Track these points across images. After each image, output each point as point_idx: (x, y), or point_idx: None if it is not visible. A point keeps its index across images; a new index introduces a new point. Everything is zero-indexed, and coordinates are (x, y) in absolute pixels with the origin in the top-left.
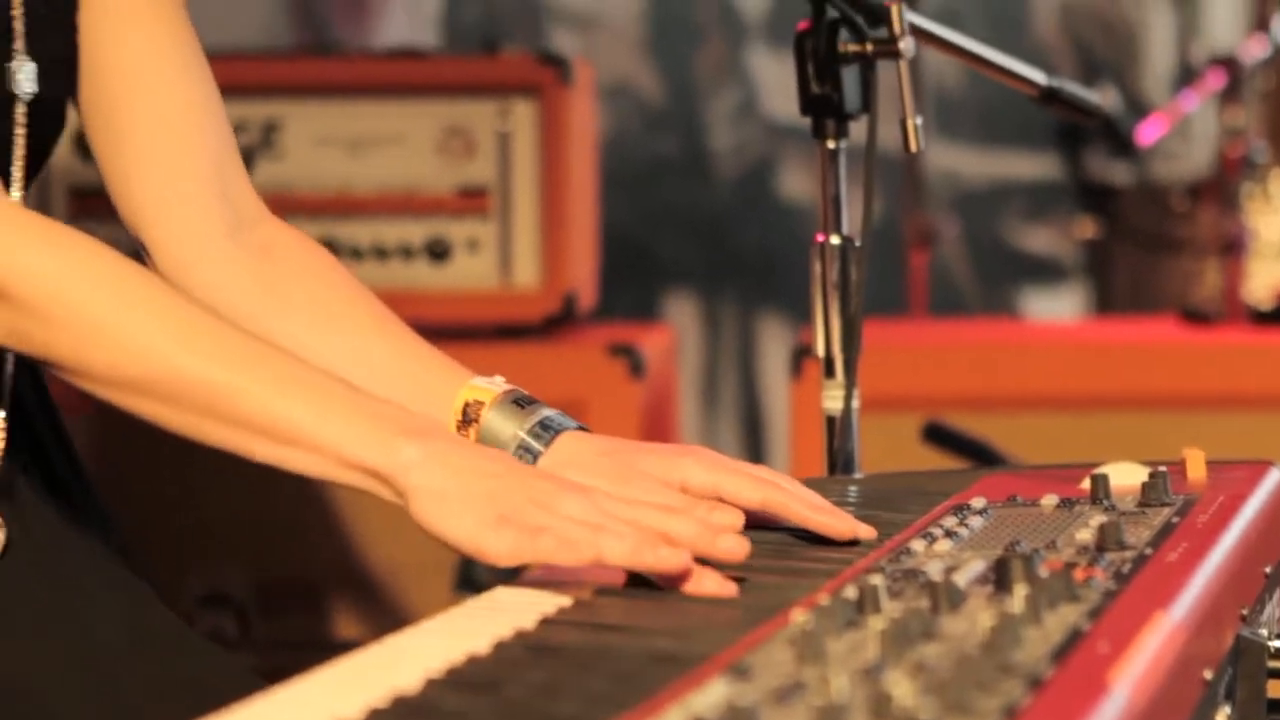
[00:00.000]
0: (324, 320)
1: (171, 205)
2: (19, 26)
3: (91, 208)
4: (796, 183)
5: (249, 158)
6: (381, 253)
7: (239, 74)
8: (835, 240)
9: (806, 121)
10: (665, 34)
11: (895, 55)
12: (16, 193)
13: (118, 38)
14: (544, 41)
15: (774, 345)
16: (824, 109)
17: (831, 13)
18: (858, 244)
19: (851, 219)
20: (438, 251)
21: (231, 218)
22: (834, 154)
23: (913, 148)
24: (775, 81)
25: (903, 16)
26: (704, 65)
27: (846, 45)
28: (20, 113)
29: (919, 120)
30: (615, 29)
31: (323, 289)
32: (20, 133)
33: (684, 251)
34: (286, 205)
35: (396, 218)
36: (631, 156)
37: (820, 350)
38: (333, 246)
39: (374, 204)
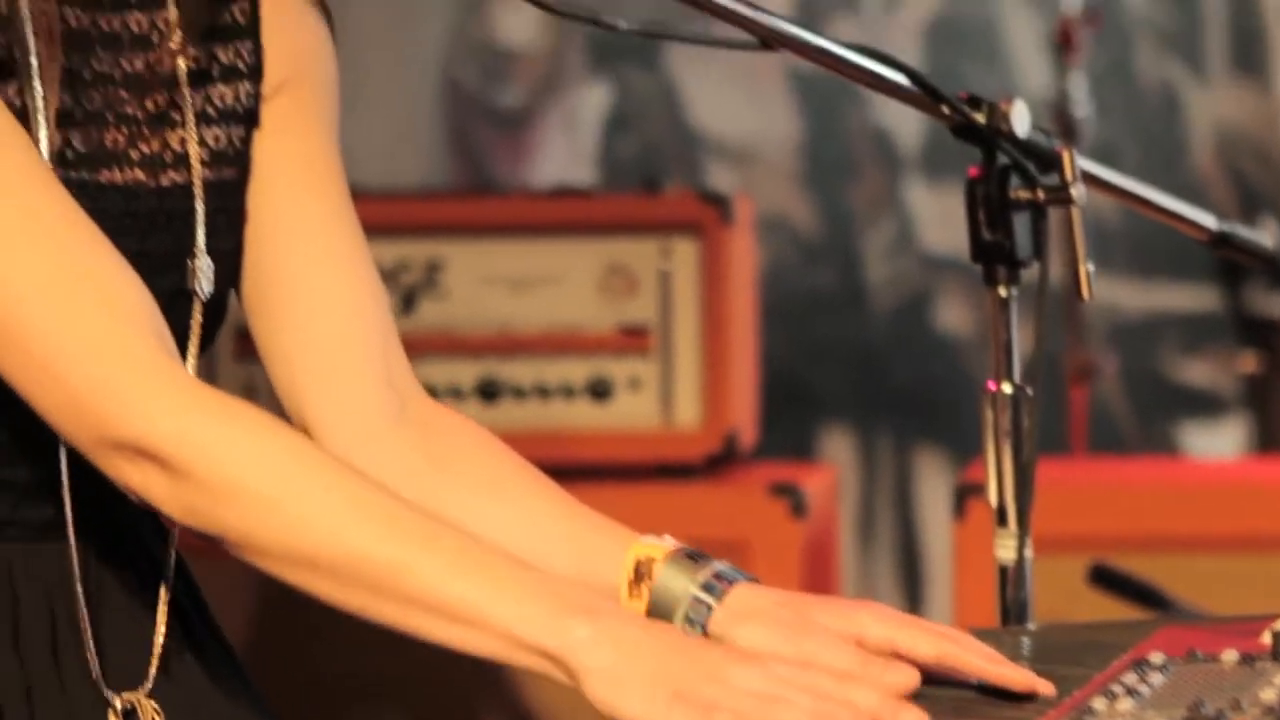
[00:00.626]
0: (489, 490)
1: (334, 390)
2: (201, 225)
3: (253, 349)
4: (953, 316)
5: (412, 298)
6: (543, 392)
7: (401, 214)
8: (1007, 389)
9: (964, 254)
10: (821, 167)
11: (1067, 202)
12: None
13: (277, 216)
14: (700, 174)
15: (932, 482)
16: (995, 256)
17: (1002, 159)
18: (1029, 392)
19: (1022, 364)
20: (599, 390)
21: (394, 402)
22: (1005, 301)
23: (1085, 296)
24: (931, 214)
25: (1074, 163)
26: (860, 198)
27: (1018, 192)
28: (198, 310)
29: (1091, 267)
30: (771, 162)
31: (485, 460)
32: (197, 331)
33: (839, 385)
34: (449, 345)
35: (558, 356)
36: (787, 289)
37: (993, 499)
38: (494, 386)
39: (535, 343)
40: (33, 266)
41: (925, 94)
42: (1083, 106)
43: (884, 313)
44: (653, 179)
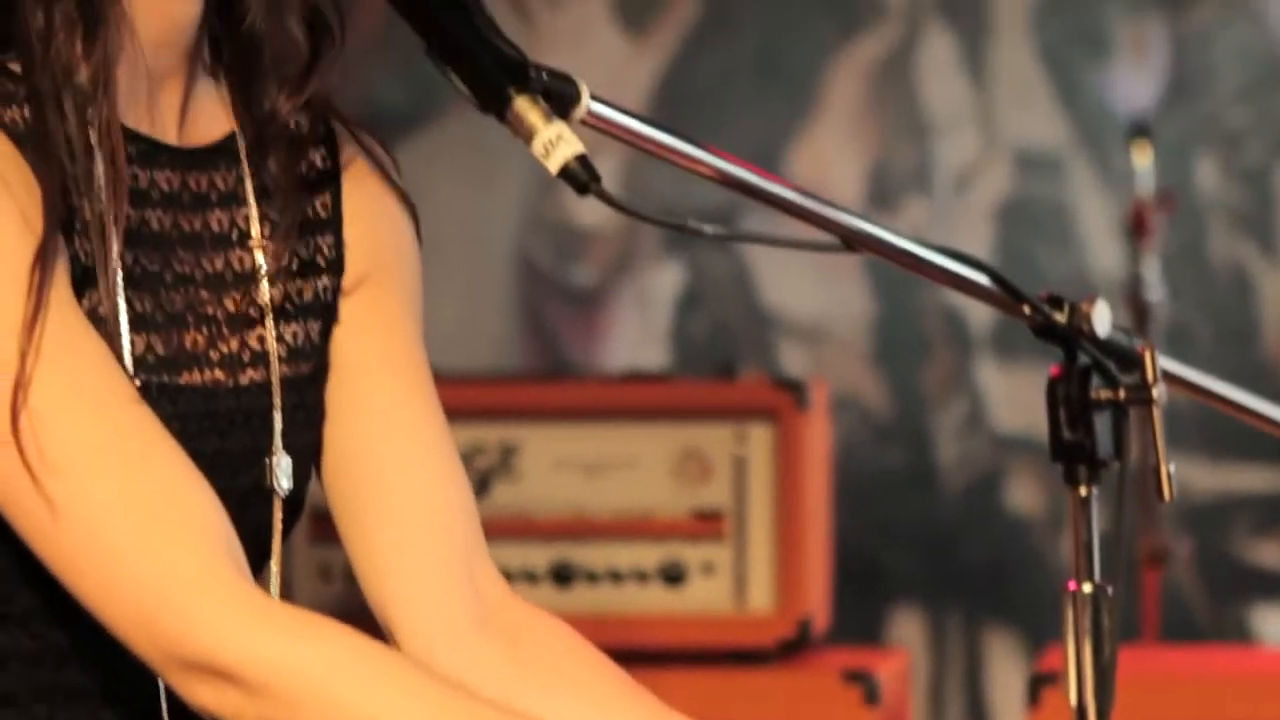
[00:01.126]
0: (569, 690)
1: (418, 591)
2: (279, 422)
3: (329, 531)
4: (1024, 496)
5: (486, 481)
6: (616, 576)
7: (475, 398)
8: (1088, 588)
9: (1035, 433)
10: (893, 346)
11: (1148, 402)
12: (273, 587)
13: (358, 411)
14: (772, 354)
15: (1004, 666)
16: (1076, 456)
17: (1083, 359)
18: (1110, 591)
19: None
20: (672, 575)
21: (476, 602)
22: (1085, 500)
23: (1166, 497)
24: (1002, 393)
25: (1156, 363)
26: (931, 377)
27: (1099, 392)
28: (278, 508)
29: (1172, 468)
30: (843, 342)
31: (568, 660)
32: (278, 528)
33: (909, 566)
34: (523, 529)
35: (631, 541)
36: (858, 469)
37: (1073, 698)
38: (568, 570)
39: (609, 528)
40: (110, 486)
41: (1006, 294)
42: (1156, 290)
43: (955, 492)
44: (728, 364)
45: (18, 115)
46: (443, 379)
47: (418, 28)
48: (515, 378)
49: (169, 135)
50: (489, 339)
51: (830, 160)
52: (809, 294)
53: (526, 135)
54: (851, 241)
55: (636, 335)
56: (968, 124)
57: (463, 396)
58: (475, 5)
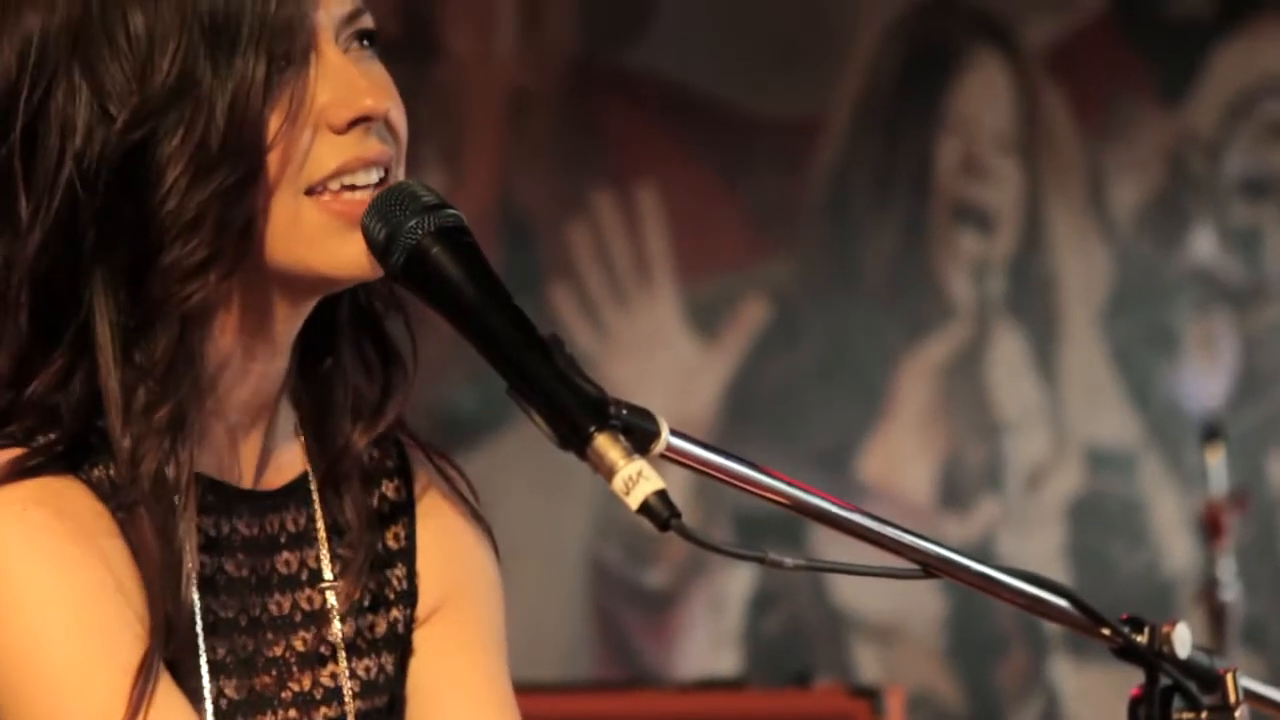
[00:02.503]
0: None
1: None
2: (350, 700)
3: None
4: None
5: None
6: None
7: (551, 708)
8: None
9: None
10: (967, 645)
11: None
12: None
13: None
14: (845, 654)
15: None
16: None
17: (1164, 680)
18: None
19: None
20: None
21: None
22: None
23: None
24: (1077, 691)
25: (1238, 684)
26: (1006, 676)
27: (1181, 714)
28: None
29: None
30: (917, 640)
31: None
32: None
33: None
34: None
35: None
36: None
37: None
38: None
39: None
40: None
41: (1086, 617)
42: (1231, 589)
43: None
44: (802, 671)
45: (103, 474)
46: (518, 689)
47: (499, 366)
48: (589, 687)
49: (245, 479)
50: (562, 643)
51: (902, 460)
52: (881, 593)
53: (607, 472)
54: (930, 568)
55: (709, 637)
56: (1038, 422)
57: (536, 706)
58: (556, 344)
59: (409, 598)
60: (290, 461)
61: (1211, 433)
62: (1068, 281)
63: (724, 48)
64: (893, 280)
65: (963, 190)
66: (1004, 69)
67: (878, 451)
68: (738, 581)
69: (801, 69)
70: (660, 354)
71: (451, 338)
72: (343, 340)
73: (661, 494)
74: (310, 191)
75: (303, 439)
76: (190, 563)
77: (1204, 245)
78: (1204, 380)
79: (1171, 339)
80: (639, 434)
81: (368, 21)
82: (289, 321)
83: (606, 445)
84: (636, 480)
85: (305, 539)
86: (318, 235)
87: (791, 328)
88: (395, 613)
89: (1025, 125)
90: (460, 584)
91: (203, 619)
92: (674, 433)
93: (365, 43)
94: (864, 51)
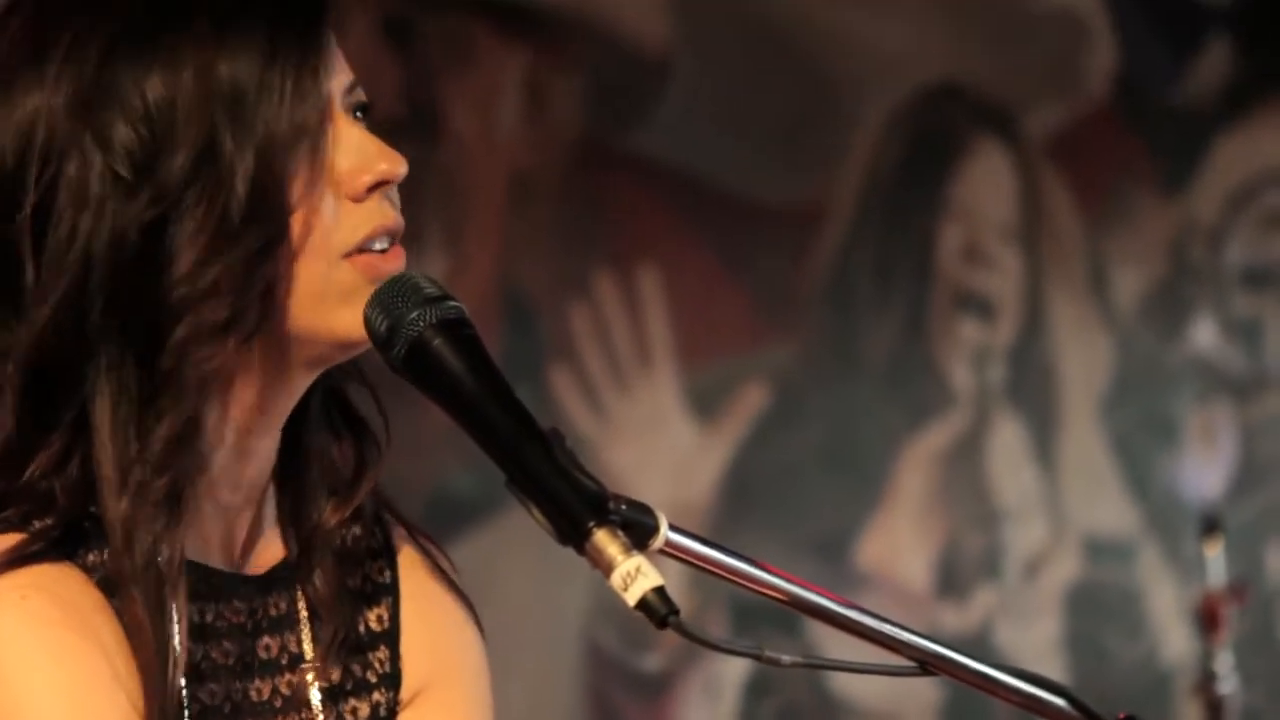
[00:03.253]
0: None
1: None
2: None
3: None
4: None
5: None
6: None
7: None
8: None
9: None
10: None
11: None
12: None
13: None
14: None
15: None
16: None
17: None
18: None
19: None
20: None
21: None
22: None
23: None
24: None
25: None
26: None
27: None
28: None
29: None
30: None
31: None
32: None
33: None
34: None
35: None
36: None
37: None
38: None
39: None
40: None
41: (1085, 717)
42: (1228, 682)
43: None
44: None
45: (98, 559)
46: None
47: (499, 460)
48: None
49: (233, 563)
50: None
51: (900, 547)
52: (878, 681)
53: (605, 568)
54: (928, 665)
55: (704, 714)
56: (1037, 510)
57: None
58: (555, 438)
59: (392, 680)
60: (275, 544)
61: (1211, 525)
62: (1068, 370)
63: (728, 133)
64: (893, 367)
65: (964, 278)
66: (1006, 157)
67: (876, 538)
68: (734, 667)
69: (805, 155)
70: (660, 438)
71: (448, 421)
72: (316, 418)
73: (660, 590)
74: (345, 255)
75: (281, 516)
76: (179, 650)
77: (1205, 335)
78: (1203, 470)
79: (1171, 428)
80: (638, 529)
81: (363, 95)
82: (290, 397)
83: (605, 541)
84: (635, 576)
85: (287, 622)
86: (349, 297)
87: (792, 413)
88: (378, 695)
89: (1027, 213)
90: (446, 665)
91: (189, 707)
92: (673, 528)
93: (359, 114)
94: (867, 138)
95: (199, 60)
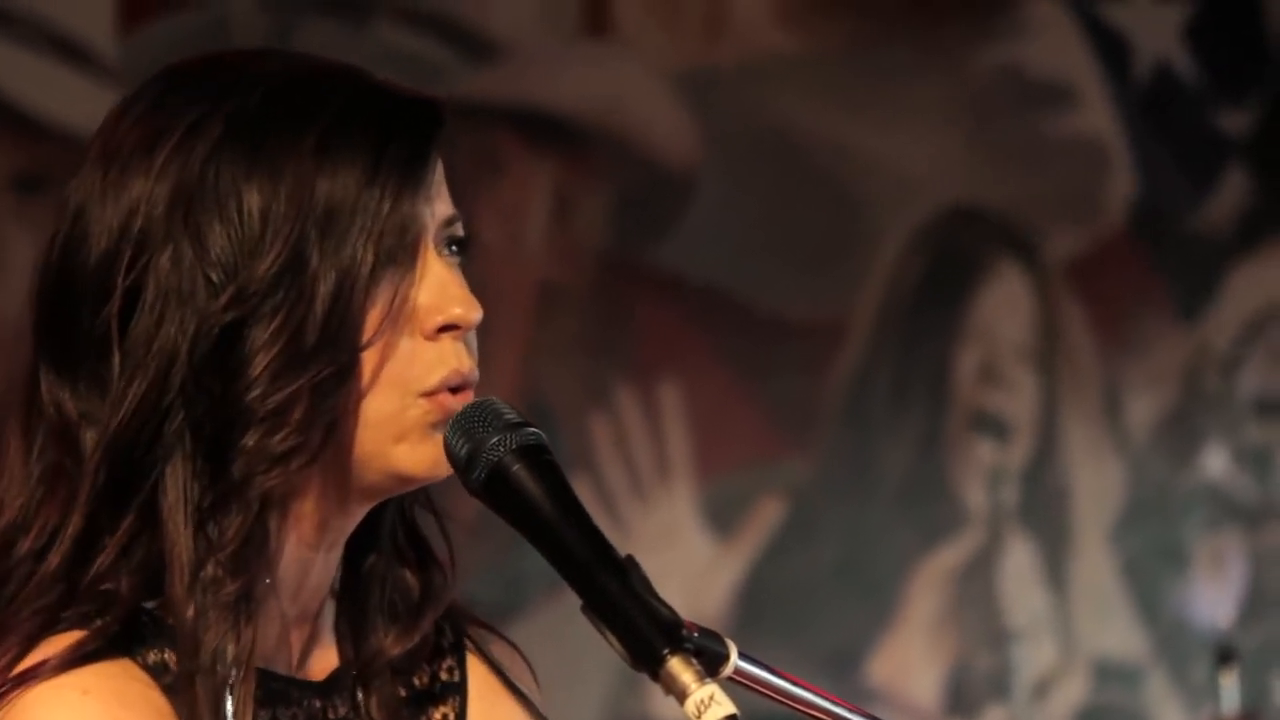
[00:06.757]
0: None
1: None
2: None
3: None
4: None
5: None
6: None
7: None
8: None
9: None
10: None
11: None
12: None
13: None
14: None
15: None
16: None
17: None
18: None
19: None
20: None
21: None
22: None
23: None
24: None
25: None
26: None
27: None
28: None
29: None
30: None
31: None
32: None
33: None
34: None
35: None
36: None
37: None
38: None
39: None
40: None
41: None
42: None
43: None
44: None
45: (159, 658)
46: None
47: (575, 585)
48: None
49: (291, 666)
50: None
51: (910, 666)
52: None
53: (679, 694)
54: None
55: None
56: (1047, 632)
57: None
58: (631, 564)
59: None
60: (330, 653)
61: (1226, 654)
62: (1080, 493)
63: (750, 248)
64: (908, 485)
65: (980, 399)
66: (1025, 280)
67: (887, 655)
68: None
69: (826, 274)
70: (676, 549)
71: (468, 525)
72: (384, 540)
73: (733, 719)
74: (420, 394)
75: (339, 632)
76: None
77: (1216, 463)
78: (1212, 597)
79: (1181, 555)
80: (709, 656)
81: (461, 229)
82: (353, 516)
83: (680, 668)
84: (709, 704)
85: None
86: (416, 435)
87: (807, 528)
88: None
89: (1044, 336)
90: None
91: None
92: (742, 655)
93: (454, 248)
94: (888, 258)
95: (299, 171)
